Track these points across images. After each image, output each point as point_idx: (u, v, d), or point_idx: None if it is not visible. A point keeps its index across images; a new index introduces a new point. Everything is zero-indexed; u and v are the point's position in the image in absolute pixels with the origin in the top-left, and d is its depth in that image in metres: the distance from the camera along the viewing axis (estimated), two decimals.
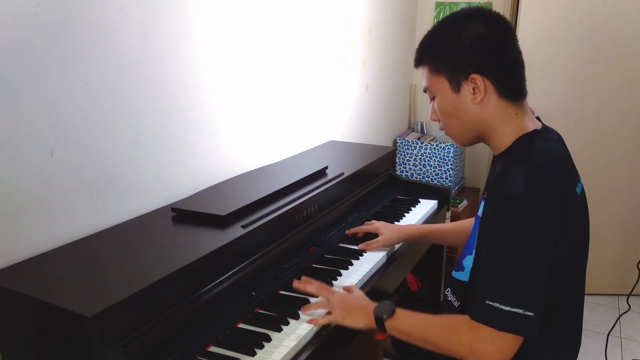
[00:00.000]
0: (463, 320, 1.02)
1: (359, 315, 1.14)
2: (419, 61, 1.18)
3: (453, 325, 1.04)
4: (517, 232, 0.99)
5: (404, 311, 1.12)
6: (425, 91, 1.20)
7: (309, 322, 1.13)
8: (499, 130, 1.13)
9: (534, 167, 1.02)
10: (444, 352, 1.05)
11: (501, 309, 0.96)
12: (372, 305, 1.15)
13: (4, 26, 1.00)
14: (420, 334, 1.08)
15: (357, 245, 1.51)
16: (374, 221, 1.60)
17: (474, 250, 1.15)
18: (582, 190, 1.16)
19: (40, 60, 1.07)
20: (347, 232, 1.58)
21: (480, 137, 1.17)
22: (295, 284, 1.22)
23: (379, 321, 1.12)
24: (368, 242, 1.49)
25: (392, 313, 1.11)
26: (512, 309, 0.96)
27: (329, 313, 1.16)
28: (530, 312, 0.96)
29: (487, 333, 0.97)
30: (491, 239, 1.02)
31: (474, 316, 1.00)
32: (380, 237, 1.50)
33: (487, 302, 0.97)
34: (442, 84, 1.13)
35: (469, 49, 1.09)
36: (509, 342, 0.97)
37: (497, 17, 1.12)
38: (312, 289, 1.20)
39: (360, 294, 1.22)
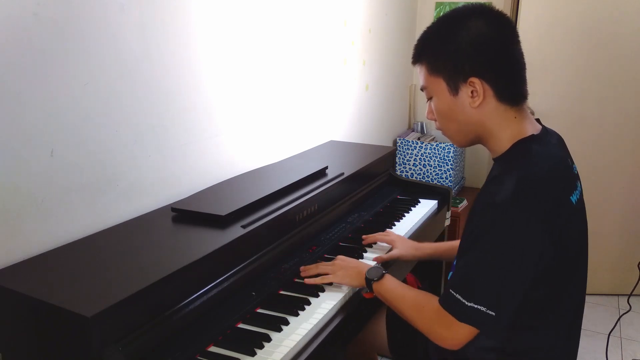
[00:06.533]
0: (432, 301, 1.10)
1: (355, 275, 1.27)
2: (416, 59, 1.15)
3: (422, 303, 1.13)
4: (497, 240, 1.01)
5: (391, 279, 1.23)
6: (422, 90, 1.18)
7: (308, 282, 1.27)
8: (496, 134, 1.10)
9: (523, 178, 1.01)
10: (411, 324, 1.15)
11: (463, 303, 1.02)
12: (366, 267, 1.28)
13: (4, 26, 1.00)
14: (395, 302, 1.18)
15: (357, 244, 1.51)
16: (389, 231, 1.58)
17: None
18: (580, 198, 1.13)
19: (40, 60, 1.07)
20: (363, 236, 1.54)
21: (478, 140, 1.15)
22: (306, 279, 1.30)
23: (369, 282, 1.24)
24: (382, 255, 1.45)
25: (381, 277, 1.23)
26: (475, 305, 1.01)
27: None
28: (492, 311, 1.00)
29: (447, 319, 1.04)
30: (472, 239, 1.05)
31: (440, 301, 1.07)
32: (395, 251, 1.47)
33: (452, 292, 1.04)
34: (440, 86, 1.11)
35: (469, 51, 1.06)
36: (464, 332, 1.03)
37: (499, 16, 1.08)
38: (314, 270, 1.31)
39: (356, 260, 1.35)
